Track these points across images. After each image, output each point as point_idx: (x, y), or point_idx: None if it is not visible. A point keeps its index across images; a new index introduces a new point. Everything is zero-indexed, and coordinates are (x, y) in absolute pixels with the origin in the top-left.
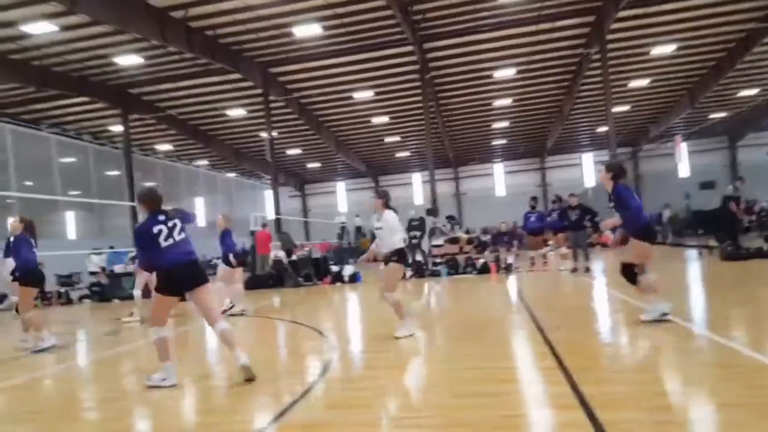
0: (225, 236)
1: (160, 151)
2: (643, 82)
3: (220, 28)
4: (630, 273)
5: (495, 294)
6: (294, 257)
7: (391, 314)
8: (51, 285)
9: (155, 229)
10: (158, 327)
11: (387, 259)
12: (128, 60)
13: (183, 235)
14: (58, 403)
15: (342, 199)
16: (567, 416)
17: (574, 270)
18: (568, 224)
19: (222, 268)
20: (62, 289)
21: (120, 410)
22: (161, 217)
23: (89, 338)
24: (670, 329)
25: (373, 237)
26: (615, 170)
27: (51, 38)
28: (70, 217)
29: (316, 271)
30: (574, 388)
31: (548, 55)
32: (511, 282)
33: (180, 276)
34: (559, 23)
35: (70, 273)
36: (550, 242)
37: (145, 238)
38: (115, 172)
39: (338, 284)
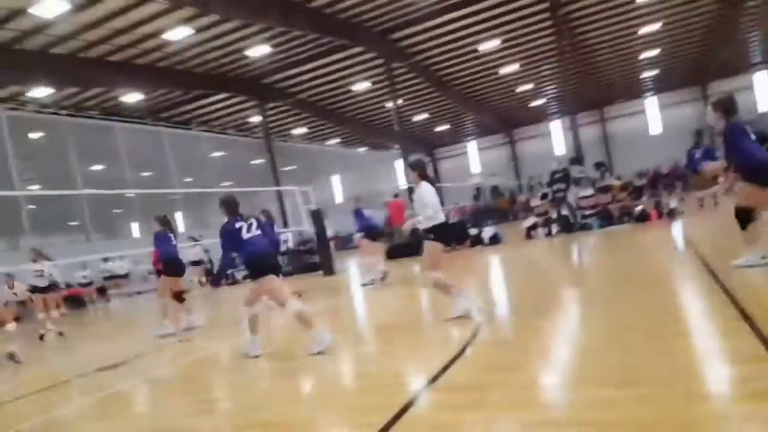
0: (357, 215)
1: (295, 135)
2: None
3: (336, 3)
4: (744, 217)
5: (658, 243)
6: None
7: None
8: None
9: (237, 225)
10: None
11: (424, 236)
12: (258, 51)
13: (259, 232)
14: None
15: (474, 159)
16: (758, 370)
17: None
18: None
19: (361, 242)
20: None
21: (282, 376)
22: (239, 217)
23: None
24: None
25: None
26: (723, 106)
27: (189, 41)
28: None
29: (453, 236)
30: (764, 340)
31: None
32: (677, 228)
33: (262, 262)
34: None
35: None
36: (722, 179)
37: (230, 233)
38: (259, 161)
39: (479, 247)
